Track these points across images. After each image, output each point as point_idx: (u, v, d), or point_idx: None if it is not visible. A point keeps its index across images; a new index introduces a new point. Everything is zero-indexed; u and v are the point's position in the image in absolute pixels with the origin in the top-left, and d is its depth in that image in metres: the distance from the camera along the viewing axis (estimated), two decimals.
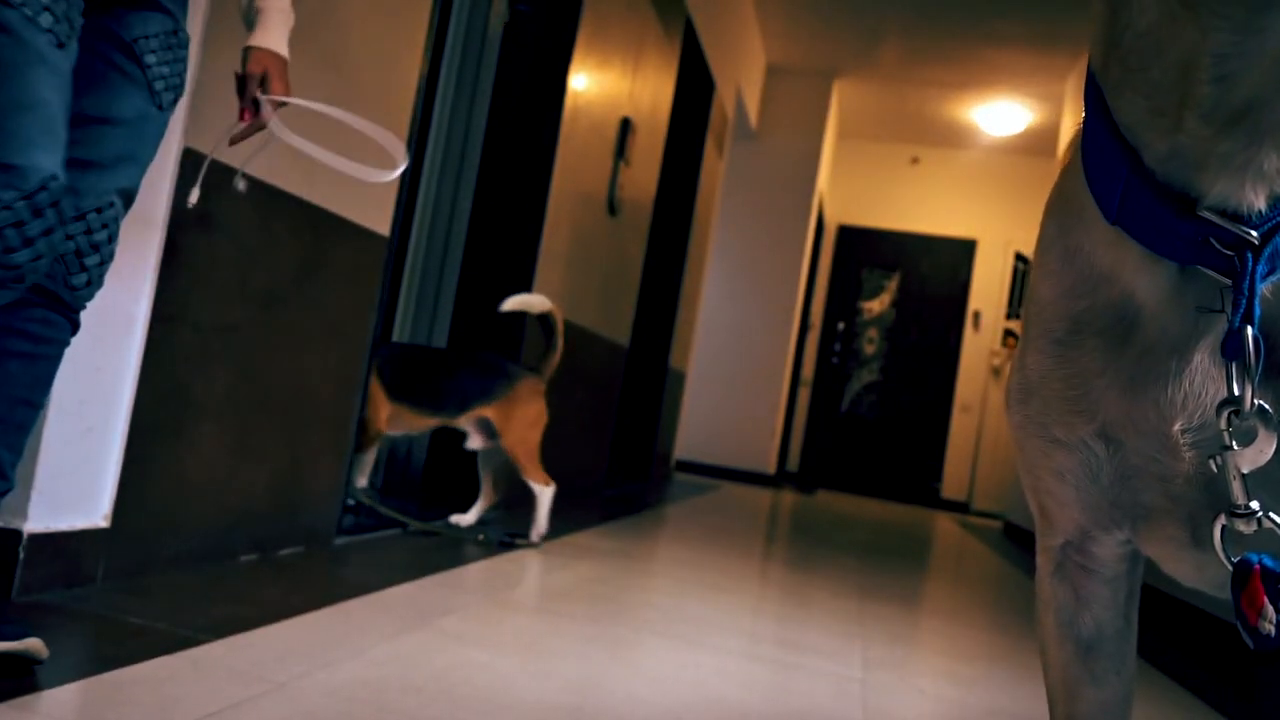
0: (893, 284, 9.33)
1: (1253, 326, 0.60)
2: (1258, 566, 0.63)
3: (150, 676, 1.35)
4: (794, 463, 9.24)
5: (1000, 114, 8.02)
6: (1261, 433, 0.62)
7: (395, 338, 3.63)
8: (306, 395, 2.30)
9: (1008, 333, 9.05)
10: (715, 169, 6.61)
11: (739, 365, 7.83)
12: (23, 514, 1.60)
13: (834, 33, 7.09)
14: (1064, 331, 0.74)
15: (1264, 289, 0.64)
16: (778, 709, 1.70)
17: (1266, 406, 0.62)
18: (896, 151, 9.28)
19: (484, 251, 3.63)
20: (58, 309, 1.36)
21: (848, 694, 1.86)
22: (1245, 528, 0.64)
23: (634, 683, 1.71)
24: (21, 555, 1.59)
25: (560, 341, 3.04)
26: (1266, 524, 0.63)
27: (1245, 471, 0.63)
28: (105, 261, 1.40)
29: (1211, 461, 0.64)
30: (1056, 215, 0.75)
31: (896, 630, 2.61)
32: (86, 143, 1.35)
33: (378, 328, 2.59)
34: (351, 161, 1.60)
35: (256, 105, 1.55)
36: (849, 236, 9.39)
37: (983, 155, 9.03)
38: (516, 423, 2.94)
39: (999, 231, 9.00)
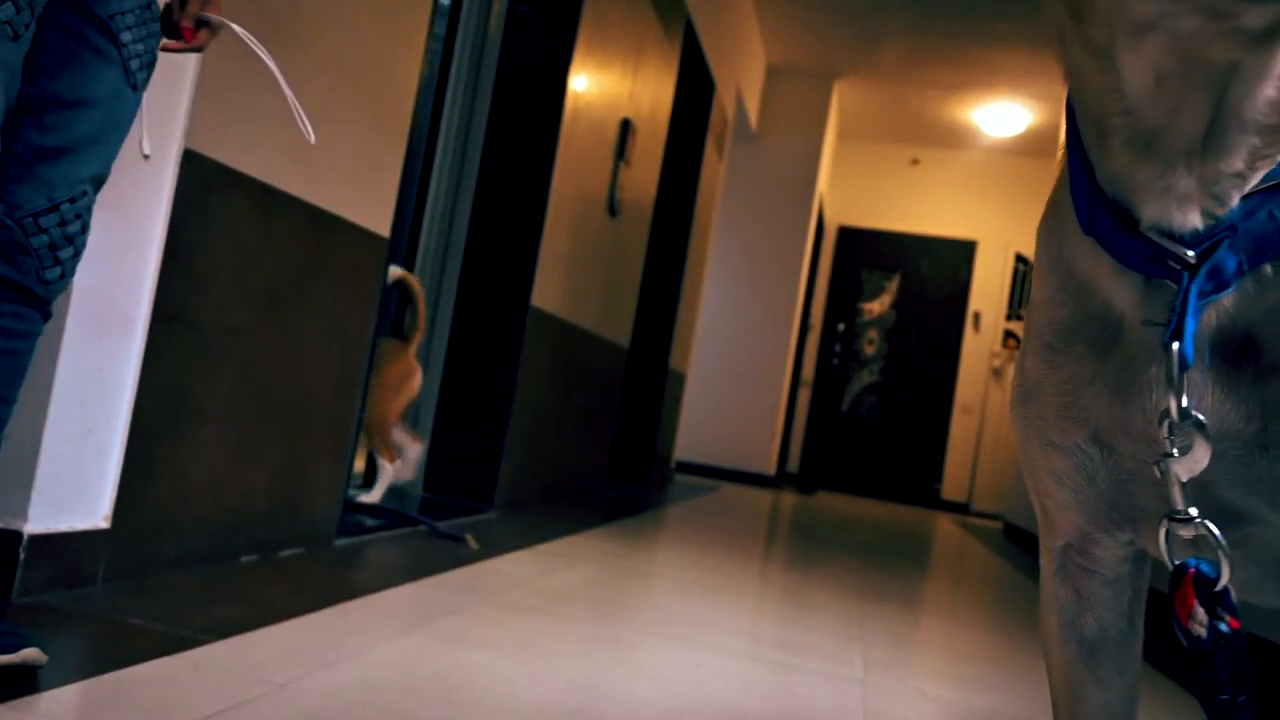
0: (893, 285, 9.33)
1: (1181, 343, 0.62)
2: (1192, 571, 0.65)
3: (151, 678, 1.35)
4: (794, 464, 9.24)
5: (1000, 115, 8.02)
6: (1198, 442, 0.64)
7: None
8: (306, 396, 2.30)
9: (1008, 334, 9.05)
10: (715, 170, 6.61)
11: (739, 366, 7.83)
12: (23, 515, 1.60)
13: (834, 34, 7.09)
14: (1053, 337, 0.76)
15: (1227, 297, 0.64)
16: (778, 710, 1.70)
17: (1201, 417, 0.63)
18: (896, 152, 9.28)
19: (484, 253, 3.63)
20: (30, 303, 1.32)
21: (848, 695, 1.86)
22: (1185, 533, 0.65)
23: (634, 684, 1.71)
24: (22, 556, 1.59)
25: (421, 305, 3.09)
26: (1203, 530, 0.65)
27: (1184, 479, 0.64)
28: (78, 253, 1.35)
29: (1155, 468, 0.66)
30: (1047, 221, 0.77)
31: (897, 631, 2.61)
32: (59, 128, 1.29)
33: (380, 329, 2.59)
34: (296, 103, 1.52)
35: (197, 24, 1.44)
36: (849, 237, 9.39)
37: (983, 156, 9.04)
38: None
39: (999, 232, 9.01)
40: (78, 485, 1.69)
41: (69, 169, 1.31)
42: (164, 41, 1.41)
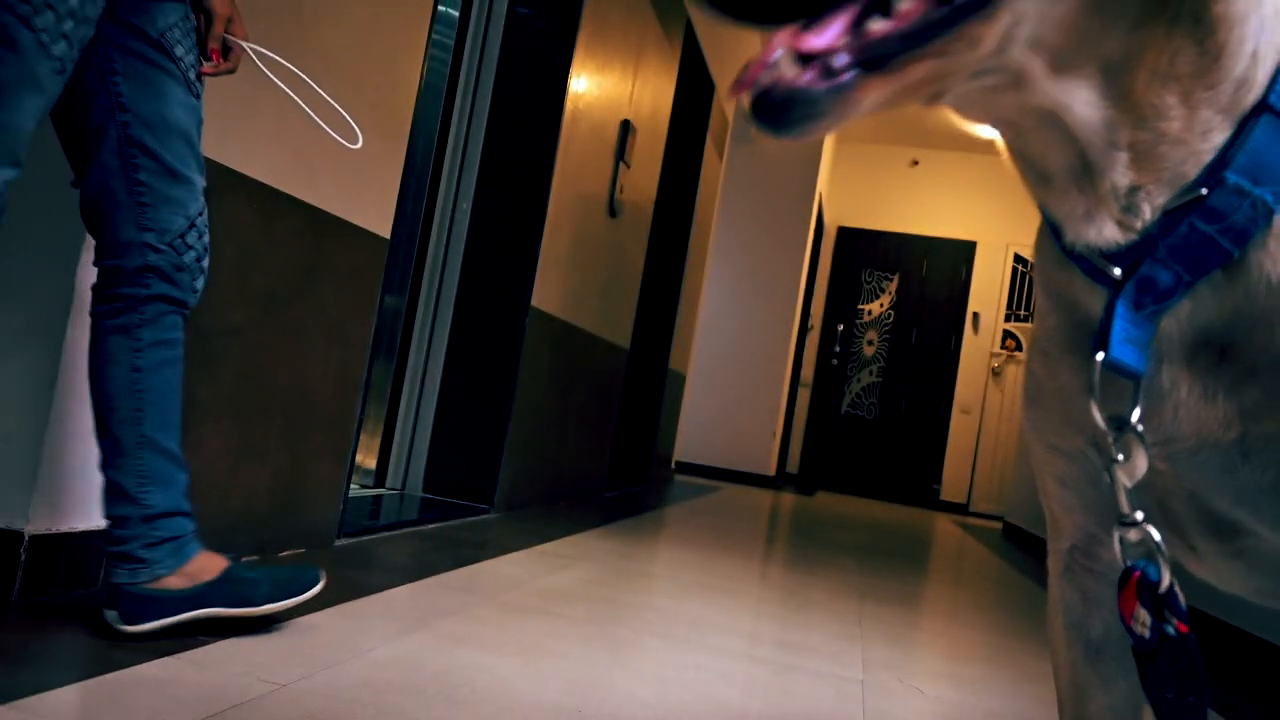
0: (892, 286, 9.33)
1: (1107, 353, 0.64)
2: (1137, 574, 0.67)
3: (152, 678, 1.35)
4: (794, 464, 9.24)
5: None
6: (1137, 450, 0.65)
7: (414, 344, 3.62)
8: (307, 396, 2.30)
9: (1007, 334, 9.05)
10: (715, 171, 6.62)
11: (739, 367, 7.83)
12: (24, 515, 1.60)
13: None
14: (1048, 344, 0.77)
15: (1201, 304, 0.65)
16: (778, 710, 1.70)
17: (1138, 426, 0.65)
18: (896, 154, 9.29)
19: (484, 254, 3.63)
20: (183, 313, 1.50)
21: (848, 695, 1.86)
22: (1133, 536, 0.67)
23: (634, 684, 1.71)
24: (23, 556, 1.59)
25: None
26: (1137, 534, 0.67)
27: (1128, 485, 0.66)
28: (210, 259, 1.52)
29: (1105, 474, 0.67)
30: (1038, 234, 0.79)
31: (896, 632, 2.61)
32: (163, 148, 1.41)
33: (383, 330, 2.59)
34: (324, 118, 1.59)
35: (224, 47, 1.51)
36: (849, 238, 9.39)
37: (982, 157, 9.04)
38: None
39: (998, 233, 9.01)
40: (79, 486, 1.69)
41: (191, 184, 1.45)
42: (201, 71, 1.50)
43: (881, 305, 9.35)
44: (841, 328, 9.28)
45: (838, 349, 9.27)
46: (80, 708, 1.23)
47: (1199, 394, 0.66)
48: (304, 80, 1.60)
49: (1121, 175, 0.62)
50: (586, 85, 3.82)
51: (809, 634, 2.38)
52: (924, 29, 0.53)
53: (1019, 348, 8.95)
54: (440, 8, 3.29)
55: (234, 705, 1.29)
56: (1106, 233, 0.64)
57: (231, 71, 1.53)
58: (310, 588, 1.66)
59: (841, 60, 0.53)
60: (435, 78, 3.45)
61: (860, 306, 9.38)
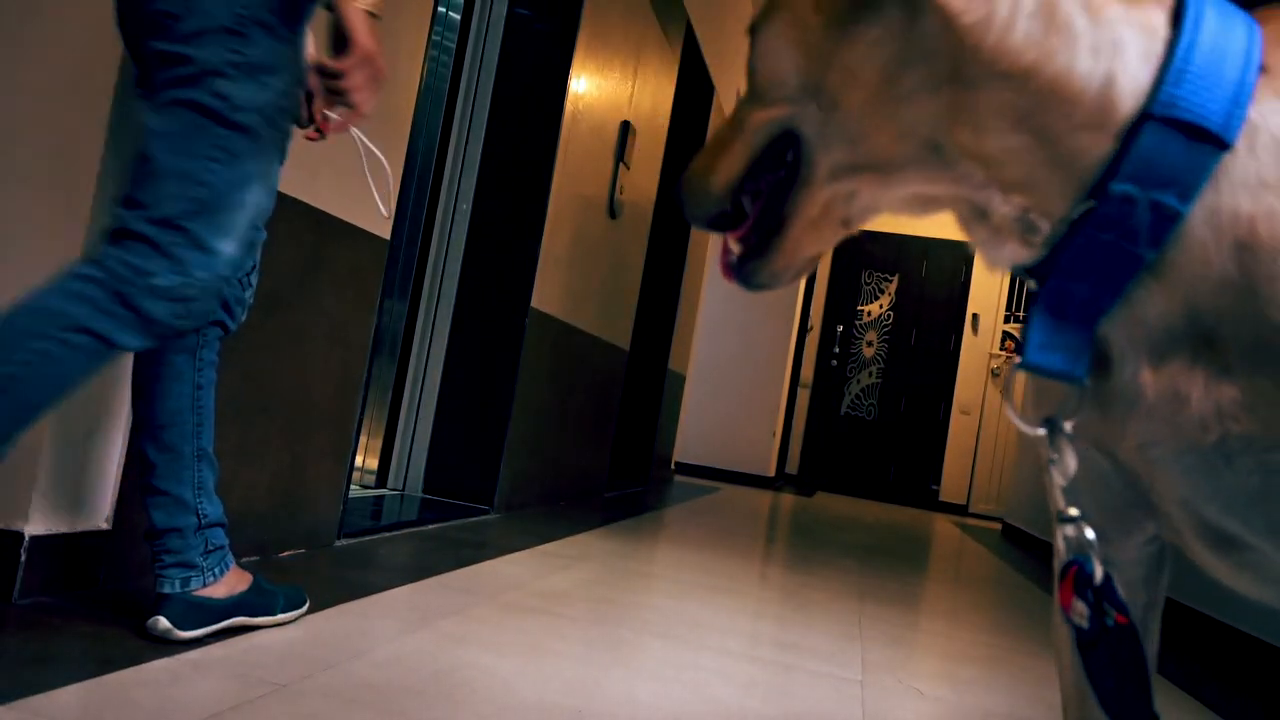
0: (892, 287, 9.34)
1: (1023, 358, 0.69)
2: (1074, 568, 0.69)
3: (152, 679, 1.35)
4: (793, 465, 9.24)
5: None
6: (1066, 450, 0.69)
7: (414, 345, 3.62)
8: (307, 397, 2.30)
9: (1006, 335, 9.06)
10: None
11: (739, 367, 7.83)
12: (24, 516, 1.60)
13: None
14: None
15: (1120, 308, 0.67)
16: (778, 711, 1.71)
17: (1066, 427, 0.69)
18: None
19: (484, 255, 3.64)
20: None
21: (848, 696, 1.86)
22: (1069, 531, 0.70)
23: (634, 685, 1.71)
24: (23, 557, 1.59)
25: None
26: (1075, 529, 0.71)
27: (1062, 483, 0.69)
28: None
29: (1047, 474, 0.71)
30: None
31: (896, 632, 2.61)
32: (258, 204, 1.52)
33: (384, 331, 2.59)
34: (384, 179, 1.70)
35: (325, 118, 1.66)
36: (848, 239, 9.37)
37: None
38: None
39: None
40: (79, 486, 1.69)
41: (263, 233, 1.59)
42: (306, 131, 1.64)
43: (881, 306, 9.36)
44: (841, 329, 9.28)
45: (837, 350, 9.27)
46: (80, 708, 1.23)
47: (1171, 395, 0.66)
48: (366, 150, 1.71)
49: (1003, 205, 0.68)
50: (586, 86, 3.83)
51: (809, 634, 2.38)
52: (774, 204, 0.79)
53: (1018, 349, 8.96)
54: (440, 9, 3.30)
55: (234, 705, 1.29)
56: (1007, 253, 0.70)
57: (324, 137, 1.65)
58: (305, 603, 1.77)
59: (752, 237, 0.81)
60: (436, 79, 3.45)
61: (860, 307, 9.38)
